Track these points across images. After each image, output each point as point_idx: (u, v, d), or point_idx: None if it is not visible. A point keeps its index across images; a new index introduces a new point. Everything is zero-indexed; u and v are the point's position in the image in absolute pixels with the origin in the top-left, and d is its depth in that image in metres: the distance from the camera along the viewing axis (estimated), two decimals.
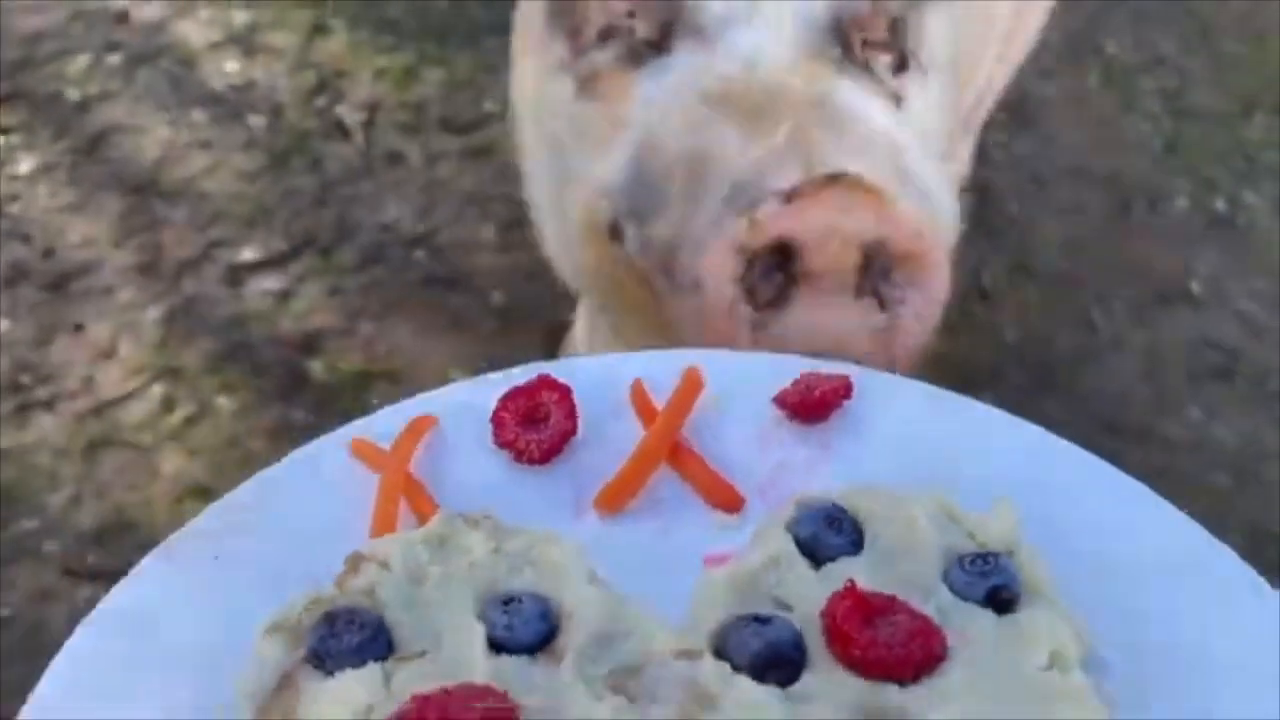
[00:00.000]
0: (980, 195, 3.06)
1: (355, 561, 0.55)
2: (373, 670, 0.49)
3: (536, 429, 0.66)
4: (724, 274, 0.83)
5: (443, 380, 0.88)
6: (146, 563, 0.63)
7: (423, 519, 0.59)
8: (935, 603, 0.52)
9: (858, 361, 0.72)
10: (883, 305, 0.85)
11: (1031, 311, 2.93)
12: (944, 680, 0.48)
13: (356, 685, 0.48)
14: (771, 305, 0.84)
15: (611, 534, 0.61)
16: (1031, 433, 0.65)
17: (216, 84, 3.07)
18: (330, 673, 0.49)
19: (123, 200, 2.92)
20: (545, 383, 0.67)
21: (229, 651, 0.52)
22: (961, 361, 2.66)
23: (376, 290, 2.81)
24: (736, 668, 0.48)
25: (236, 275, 2.81)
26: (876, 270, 0.85)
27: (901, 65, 1.05)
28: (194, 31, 3.12)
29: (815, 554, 0.55)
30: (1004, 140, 3.26)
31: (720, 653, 0.49)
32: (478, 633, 0.50)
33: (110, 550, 2.31)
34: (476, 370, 0.88)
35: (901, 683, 0.48)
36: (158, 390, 2.57)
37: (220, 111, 3.03)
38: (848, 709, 0.46)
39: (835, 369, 0.68)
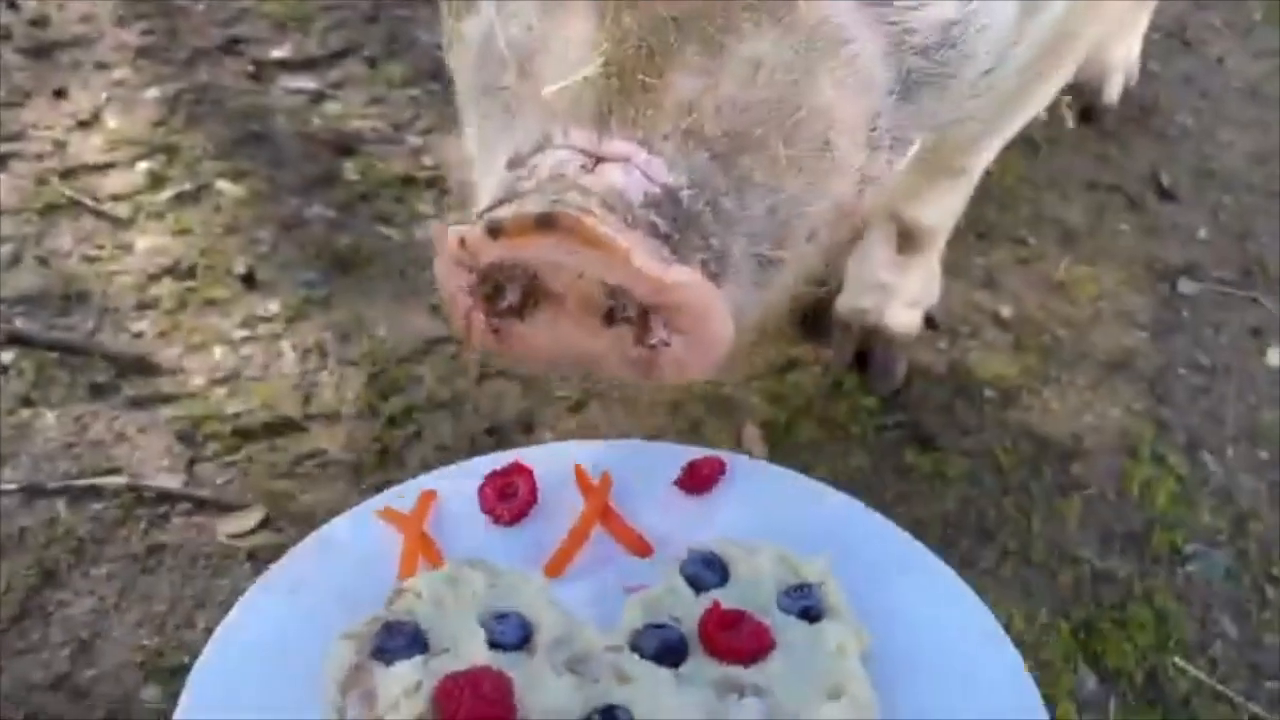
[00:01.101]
0: (1147, 108, 2.74)
1: (398, 593, 0.86)
2: (416, 661, 0.79)
3: (508, 501, 0.98)
4: (452, 281, 0.80)
5: None
6: (250, 594, 0.93)
7: (432, 565, 0.91)
8: (770, 616, 0.84)
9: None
10: (640, 339, 0.80)
11: (1223, 212, 2.48)
12: (771, 663, 0.81)
13: (408, 670, 0.79)
14: (513, 313, 0.81)
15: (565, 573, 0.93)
16: (850, 506, 0.99)
17: None
18: (389, 663, 0.80)
19: None
20: (516, 467, 0.99)
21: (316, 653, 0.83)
22: (1152, 258, 2.32)
23: (428, 103, 2.31)
24: (645, 657, 0.81)
25: (262, 70, 2.32)
26: (635, 306, 0.79)
27: None
28: None
29: (696, 585, 0.87)
30: (1166, 60, 2.94)
31: (635, 648, 0.82)
32: (481, 636, 0.82)
33: (36, 308, 1.74)
34: None
35: (745, 664, 0.81)
36: (146, 165, 2.05)
37: None
38: (712, 682, 0.80)
39: (715, 454, 1.00)
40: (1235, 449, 1.96)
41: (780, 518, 0.94)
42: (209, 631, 1.38)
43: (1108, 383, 2.03)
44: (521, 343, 0.81)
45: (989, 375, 1.99)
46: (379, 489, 1.58)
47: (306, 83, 2.31)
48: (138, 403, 1.65)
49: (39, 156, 2.01)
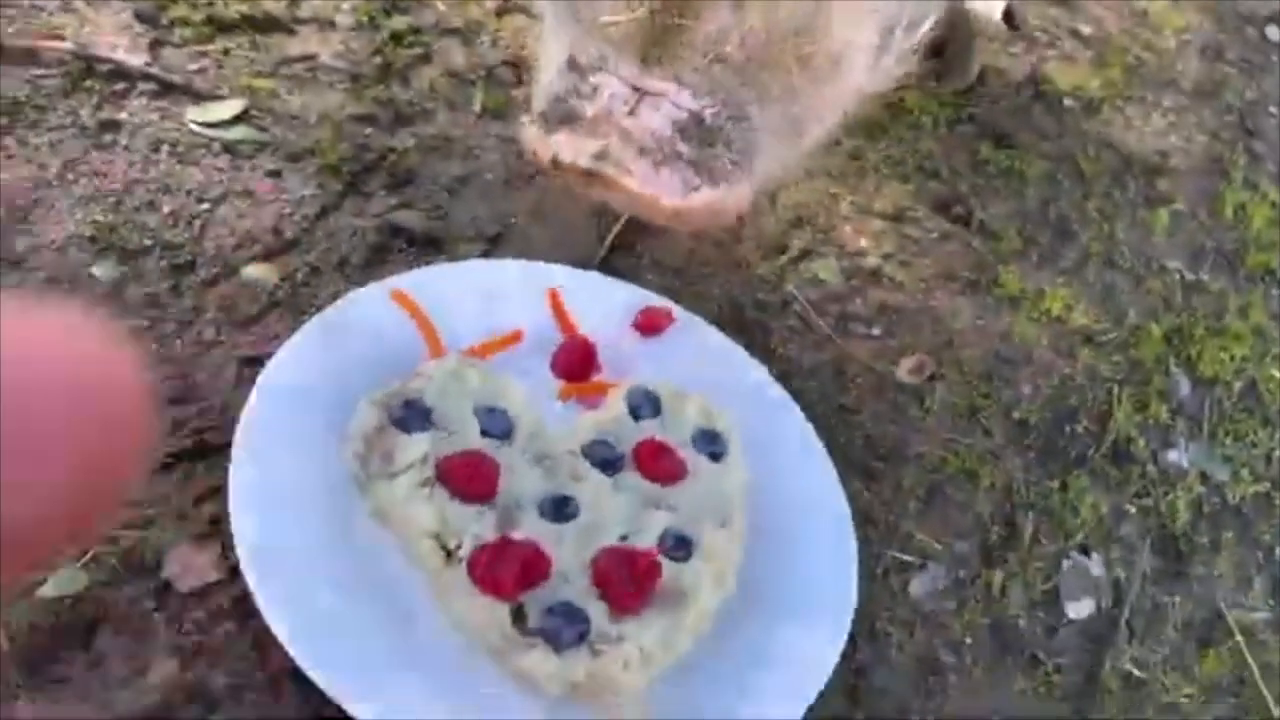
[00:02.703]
0: None
1: (416, 374, 1.01)
2: (427, 435, 0.97)
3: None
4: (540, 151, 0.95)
5: None
6: (281, 352, 1.00)
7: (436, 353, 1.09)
8: (687, 451, 1.05)
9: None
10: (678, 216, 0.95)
11: None
12: (682, 488, 1.02)
13: (422, 440, 0.97)
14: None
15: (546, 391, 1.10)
16: (763, 379, 1.15)
17: None
18: (408, 432, 0.97)
19: None
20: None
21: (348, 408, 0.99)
22: (1237, 4, 2.09)
23: None
24: (592, 465, 1.01)
25: None
26: None
27: None
28: None
29: (637, 415, 1.07)
30: None
31: (585, 455, 1.02)
32: (475, 425, 1.00)
33: None
34: None
35: (663, 485, 1.02)
36: None
37: None
38: (640, 494, 1.01)
39: (667, 305, 1.18)
40: None
41: (710, 373, 1.14)
42: (175, 218, 1.16)
43: (1195, 109, 1.85)
44: (596, 192, 0.97)
45: (1068, 85, 1.79)
46: (379, 105, 1.36)
47: None
48: None
49: None
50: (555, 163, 0.94)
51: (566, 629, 0.90)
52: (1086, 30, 1.91)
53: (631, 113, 0.92)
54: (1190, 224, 1.63)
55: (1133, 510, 1.26)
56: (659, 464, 1.03)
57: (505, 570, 0.91)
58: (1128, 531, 1.23)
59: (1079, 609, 1.15)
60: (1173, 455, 1.32)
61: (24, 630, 0.87)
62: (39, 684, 0.86)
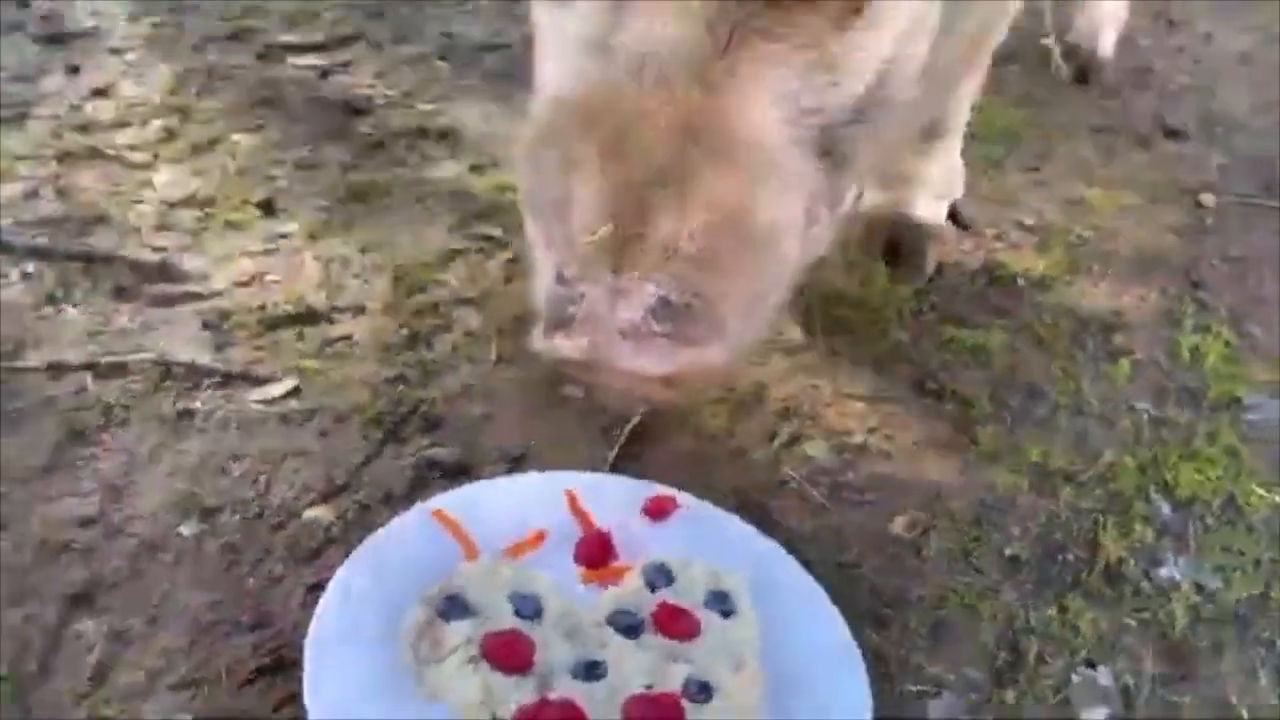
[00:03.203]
0: (1142, 71, 3.01)
1: (452, 575, 1.24)
2: (468, 622, 1.19)
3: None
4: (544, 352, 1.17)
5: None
6: (340, 574, 1.22)
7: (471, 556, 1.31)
8: (701, 611, 1.25)
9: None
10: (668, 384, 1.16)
11: (1233, 147, 2.61)
12: (700, 640, 1.22)
13: (463, 626, 1.18)
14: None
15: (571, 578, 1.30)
16: (763, 541, 1.36)
17: None
18: (449, 621, 1.19)
19: None
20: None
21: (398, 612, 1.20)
22: (1170, 181, 2.43)
23: (436, 77, 2.42)
24: (616, 631, 1.22)
25: (270, 52, 2.44)
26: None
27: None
28: None
29: (653, 587, 1.28)
30: (1157, 37, 3.19)
31: (609, 623, 1.23)
32: (509, 610, 1.21)
33: (57, 230, 1.80)
34: None
35: (681, 641, 1.21)
36: (159, 123, 2.14)
37: None
38: (661, 651, 1.20)
39: (672, 493, 1.41)
40: None
41: (716, 545, 1.34)
42: (244, 480, 1.40)
43: (1141, 273, 2.07)
44: (592, 384, 1.23)
45: (1019, 269, 2.03)
46: (408, 367, 1.62)
47: (315, 60, 2.43)
48: (162, 301, 1.68)
49: (55, 117, 2.09)
50: (559, 361, 1.14)
51: None
52: (1030, 221, 2.18)
53: (611, 310, 1.11)
54: (1150, 369, 1.82)
55: (1132, 623, 1.37)
56: (675, 624, 1.20)
57: None
58: (1130, 643, 1.35)
59: (1093, 714, 1.25)
60: (1164, 571, 1.45)
61: None
62: None
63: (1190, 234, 2.24)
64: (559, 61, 1.22)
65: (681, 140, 1.11)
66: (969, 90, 1.92)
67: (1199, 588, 1.43)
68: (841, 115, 1.20)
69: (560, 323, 1.14)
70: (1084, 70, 2.94)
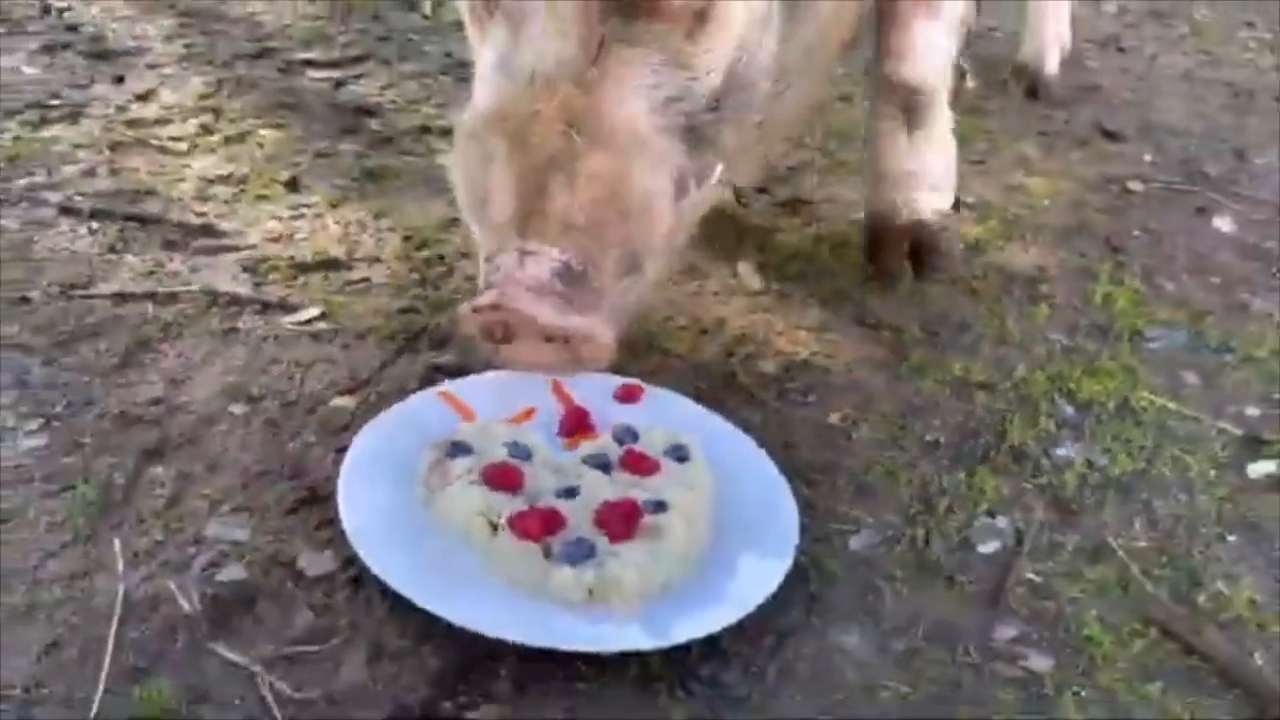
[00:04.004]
0: (1088, 89, 3.37)
1: (457, 430, 1.58)
2: (471, 458, 1.51)
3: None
4: (468, 324, 1.52)
5: None
6: (362, 432, 1.57)
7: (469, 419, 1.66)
8: (662, 460, 1.56)
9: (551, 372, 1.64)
10: (565, 350, 1.51)
11: (1166, 148, 2.95)
12: (659, 476, 1.53)
13: (466, 461, 1.51)
14: (501, 342, 1.52)
15: (556, 445, 1.63)
16: (716, 420, 1.70)
17: None
18: (454, 458, 1.51)
19: (178, 17, 3.00)
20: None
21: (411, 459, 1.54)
22: (1102, 173, 2.73)
23: (439, 89, 2.81)
24: (590, 468, 1.54)
25: (291, 67, 2.83)
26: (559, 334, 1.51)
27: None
28: None
29: (620, 441, 1.60)
30: (1103, 59, 3.58)
31: (584, 462, 1.55)
32: (504, 451, 1.53)
33: (113, 199, 2.15)
34: None
35: (644, 476, 1.53)
36: (196, 121, 2.51)
37: None
38: (627, 482, 1.52)
39: (637, 382, 1.76)
40: (1188, 277, 2.32)
41: (673, 416, 1.68)
42: (282, 377, 1.73)
43: (1065, 241, 2.42)
44: (507, 355, 1.55)
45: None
46: (418, 300, 1.95)
47: (331, 74, 2.82)
48: (206, 251, 2.03)
49: (104, 116, 2.47)
50: (474, 309, 1.46)
51: (579, 551, 1.36)
52: (970, 200, 2.53)
53: (521, 268, 1.44)
54: (1067, 311, 2.15)
55: (1029, 487, 1.69)
56: (639, 464, 1.53)
57: (533, 522, 1.38)
58: (1026, 500, 1.66)
59: (988, 548, 1.56)
60: (1061, 451, 1.77)
61: (208, 602, 1.33)
62: (219, 634, 1.31)
63: (1115, 212, 2.60)
64: (480, 81, 1.57)
65: (566, 131, 1.45)
66: (933, 73, 2.12)
67: (1089, 463, 1.75)
68: (698, 104, 1.54)
69: (487, 280, 1.47)
70: (1033, 87, 3.33)
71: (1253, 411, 1.90)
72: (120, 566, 1.38)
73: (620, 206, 1.47)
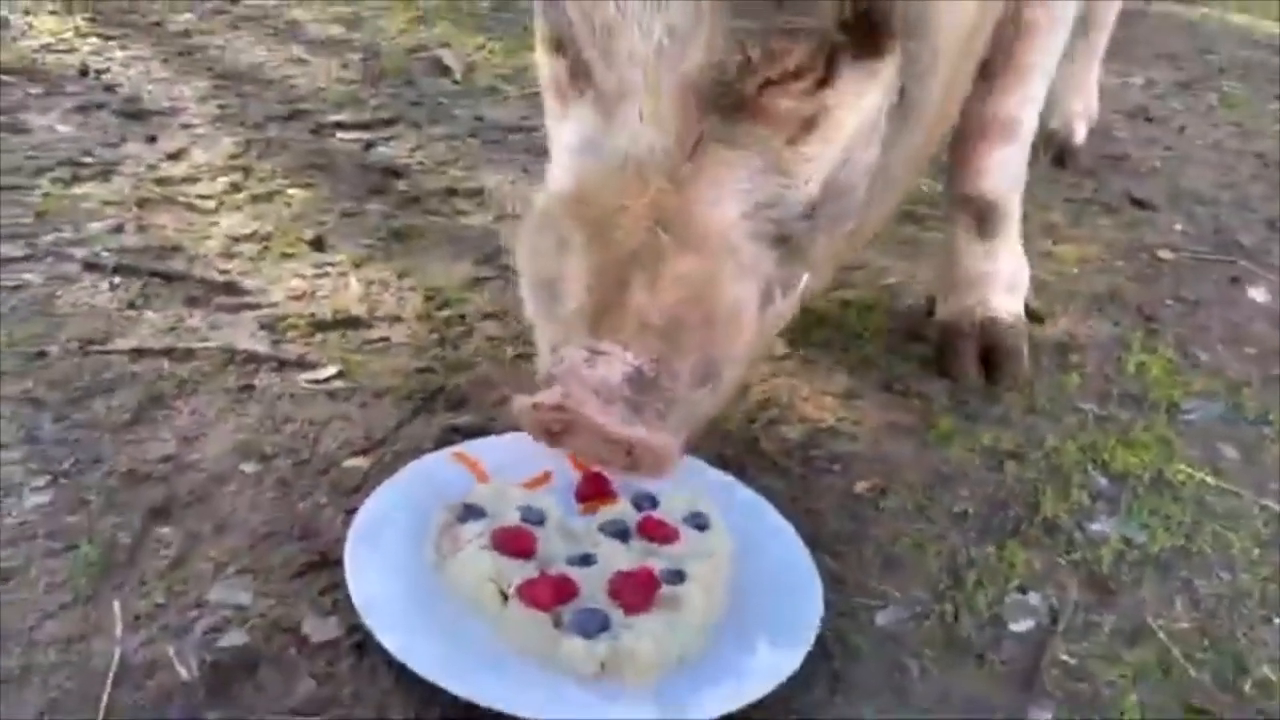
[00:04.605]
0: (1117, 158, 3.34)
1: (469, 494, 1.51)
2: (482, 522, 1.45)
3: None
4: (525, 418, 1.41)
5: None
6: (374, 494, 1.50)
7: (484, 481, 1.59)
8: (681, 527, 1.49)
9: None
10: (629, 452, 1.37)
11: (1197, 217, 2.89)
12: (678, 545, 1.46)
13: (478, 525, 1.44)
14: (557, 435, 1.40)
15: (572, 510, 1.55)
16: (740, 489, 1.63)
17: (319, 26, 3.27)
18: (465, 522, 1.45)
19: (213, 80, 3.02)
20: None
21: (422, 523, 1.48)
22: (1133, 240, 2.67)
23: (467, 151, 2.79)
24: (606, 535, 1.47)
25: (322, 129, 2.82)
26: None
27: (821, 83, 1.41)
28: None
29: (639, 507, 1.53)
30: (1133, 130, 3.51)
31: (600, 530, 1.47)
32: (517, 515, 1.46)
33: (139, 255, 2.13)
34: None
35: (661, 544, 1.46)
36: (225, 180, 2.50)
37: (320, 42, 3.20)
38: (644, 551, 1.45)
39: None
40: (1223, 347, 2.25)
41: (695, 484, 1.60)
42: (296, 436, 1.68)
43: (1097, 310, 2.35)
44: (563, 447, 1.43)
45: None
46: (437, 361, 1.91)
47: (360, 135, 2.81)
48: (226, 309, 2.00)
49: (135, 174, 2.46)
50: (535, 406, 1.35)
51: (592, 622, 1.29)
52: None
53: (590, 367, 1.33)
54: (1098, 380, 2.08)
55: (1063, 562, 1.60)
56: (658, 531, 1.46)
57: (544, 590, 1.31)
58: (1060, 576, 1.58)
59: (1020, 626, 1.48)
60: (1095, 526, 1.68)
61: (206, 669, 1.27)
62: (216, 702, 1.24)
63: (1146, 281, 2.53)
64: (558, 162, 1.48)
65: (653, 228, 1.35)
66: (1007, 181, 2.08)
67: (1126, 540, 1.67)
68: (794, 211, 1.43)
69: (550, 374, 1.36)
70: (1060, 155, 3.28)
71: None
72: (119, 630, 1.32)
73: (704, 312, 1.36)
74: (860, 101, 1.43)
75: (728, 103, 1.37)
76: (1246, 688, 1.42)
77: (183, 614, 1.36)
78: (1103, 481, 1.79)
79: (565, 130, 1.48)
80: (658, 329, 1.33)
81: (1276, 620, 1.54)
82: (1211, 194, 3.11)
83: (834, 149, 1.44)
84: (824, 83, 1.40)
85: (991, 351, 2.05)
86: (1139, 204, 2.98)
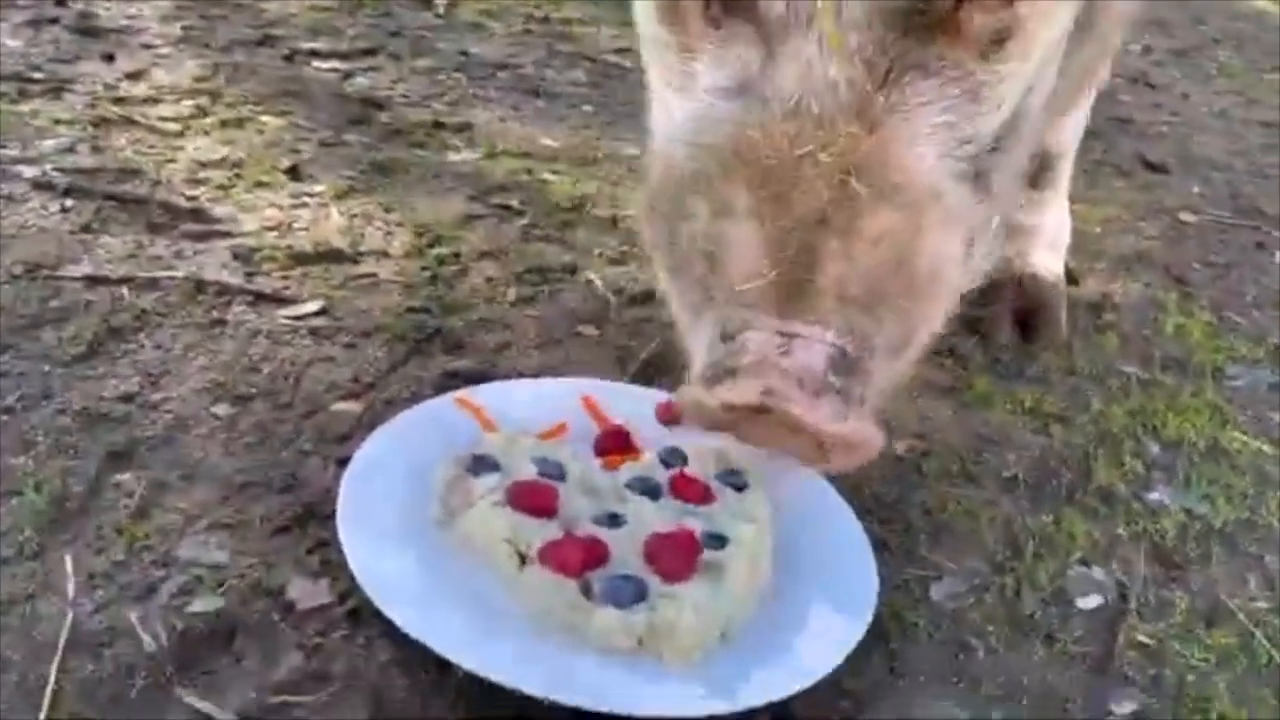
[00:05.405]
0: (1124, 120, 3.20)
1: (480, 442, 1.33)
2: (497, 475, 1.26)
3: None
4: (698, 412, 1.17)
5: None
6: (368, 442, 1.30)
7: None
8: (714, 484, 1.32)
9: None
10: (819, 446, 1.16)
11: (1212, 181, 2.76)
12: (714, 506, 1.28)
13: (491, 479, 1.26)
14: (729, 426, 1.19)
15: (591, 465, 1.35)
16: None
17: None
18: (477, 475, 1.27)
19: (175, 0, 2.76)
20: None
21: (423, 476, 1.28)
22: (1152, 201, 2.54)
23: (454, 86, 2.58)
24: (634, 493, 1.29)
25: (295, 56, 2.59)
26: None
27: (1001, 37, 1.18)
28: None
29: (668, 464, 1.35)
30: (1137, 95, 3.41)
31: (628, 487, 1.30)
32: (533, 469, 1.28)
33: (93, 177, 1.91)
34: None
35: (697, 505, 1.28)
36: (191, 103, 2.26)
37: None
38: (677, 510, 1.27)
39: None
40: (1259, 312, 2.11)
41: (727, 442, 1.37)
42: (274, 376, 1.48)
43: (1126, 270, 2.20)
44: (746, 436, 1.23)
45: None
46: (430, 300, 1.71)
47: (337, 65, 2.59)
48: (194, 236, 1.78)
49: (90, 92, 2.22)
50: (728, 407, 1.10)
51: (627, 590, 1.11)
52: None
53: (785, 354, 1.09)
54: (1137, 341, 1.93)
55: (1124, 534, 1.45)
56: (691, 490, 1.28)
57: (571, 553, 1.13)
58: (1123, 550, 1.42)
59: (1087, 603, 1.32)
60: (1153, 495, 1.54)
61: (175, 637, 1.08)
62: (186, 678, 1.05)
63: (1172, 242, 2.39)
64: (691, 107, 1.22)
65: (845, 180, 1.10)
66: (1074, 133, 1.96)
67: (1188, 511, 1.52)
68: (986, 144, 1.21)
69: (722, 375, 1.11)
70: None
71: None
72: (71, 590, 1.12)
73: (908, 275, 1.13)
74: (1055, 12, 1.22)
75: (921, 23, 1.14)
76: None
77: (146, 573, 1.16)
78: (1155, 449, 1.64)
79: (701, 69, 1.22)
80: (857, 301, 1.11)
81: None
82: (1224, 160, 2.98)
83: (1028, 67, 1.23)
84: None
85: (1030, 310, 1.89)
86: (1151, 167, 2.84)
